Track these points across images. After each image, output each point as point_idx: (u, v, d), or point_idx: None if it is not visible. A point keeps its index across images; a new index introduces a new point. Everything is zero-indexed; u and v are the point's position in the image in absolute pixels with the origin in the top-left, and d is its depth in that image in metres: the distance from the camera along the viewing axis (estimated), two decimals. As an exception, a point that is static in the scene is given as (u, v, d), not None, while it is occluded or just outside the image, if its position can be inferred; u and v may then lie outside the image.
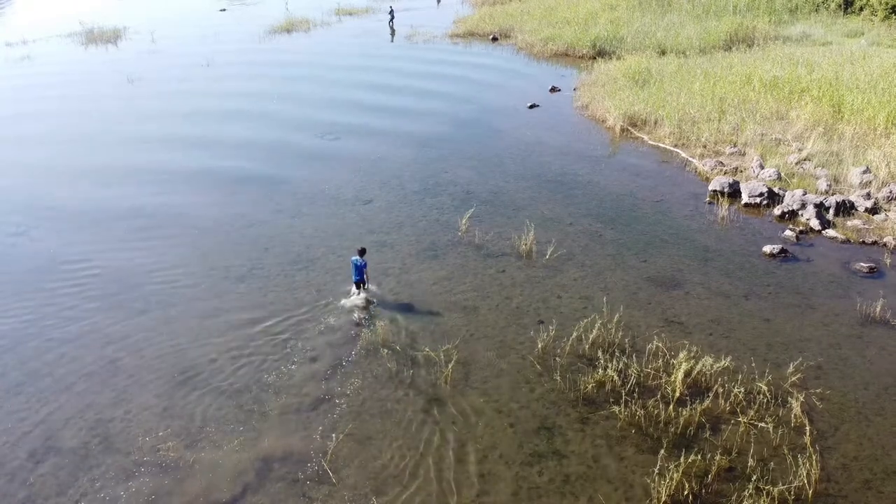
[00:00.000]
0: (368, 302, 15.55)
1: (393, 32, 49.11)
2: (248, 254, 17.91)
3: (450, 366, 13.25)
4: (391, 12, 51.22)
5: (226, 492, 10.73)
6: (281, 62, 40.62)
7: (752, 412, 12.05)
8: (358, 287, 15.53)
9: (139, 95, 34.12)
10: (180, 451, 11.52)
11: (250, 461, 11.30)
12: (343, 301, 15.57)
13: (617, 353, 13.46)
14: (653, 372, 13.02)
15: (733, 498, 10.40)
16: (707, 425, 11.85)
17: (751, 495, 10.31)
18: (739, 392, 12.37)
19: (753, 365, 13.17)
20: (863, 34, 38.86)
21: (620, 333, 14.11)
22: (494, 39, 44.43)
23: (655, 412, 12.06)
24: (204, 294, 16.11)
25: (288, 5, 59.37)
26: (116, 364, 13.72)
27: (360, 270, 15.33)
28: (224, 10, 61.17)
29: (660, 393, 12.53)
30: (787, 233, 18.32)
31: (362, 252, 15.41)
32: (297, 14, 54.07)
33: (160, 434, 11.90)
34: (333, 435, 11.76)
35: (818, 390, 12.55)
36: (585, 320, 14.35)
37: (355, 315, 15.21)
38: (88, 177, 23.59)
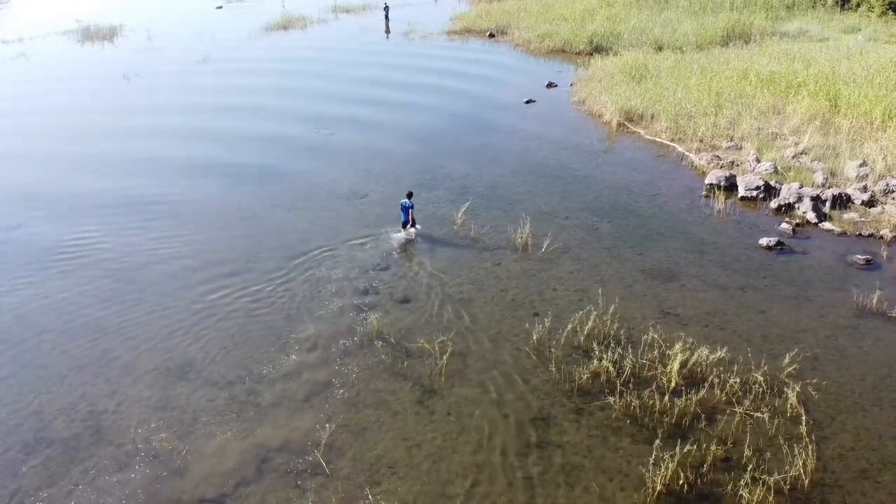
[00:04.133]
0: (411, 239, 17.78)
1: (388, 28, 49.01)
2: (244, 247, 17.84)
3: (445, 357, 13.20)
4: (385, 8, 51.18)
5: (219, 483, 10.66)
6: (277, 59, 40.55)
7: (747, 402, 12.00)
8: (404, 227, 17.86)
9: (134, 91, 34.01)
10: (173, 442, 11.45)
11: (244, 452, 11.22)
12: (393, 235, 17.97)
13: (612, 345, 13.38)
14: (648, 363, 12.96)
15: (729, 487, 10.34)
16: (703, 415, 11.80)
17: (747, 485, 10.26)
18: (735, 383, 12.31)
19: (749, 356, 13.09)
20: (860, 30, 38.86)
21: (616, 325, 14.04)
22: (491, 36, 44.38)
23: (651, 403, 12.00)
24: (199, 286, 16.01)
25: (285, 3, 59.23)
26: (109, 355, 13.65)
27: (407, 211, 17.68)
28: (220, 7, 61.09)
29: (655, 384, 12.48)
30: (784, 226, 18.27)
31: (409, 195, 17.83)
32: (294, 11, 53.98)
33: (153, 425, 11.82)
34: (327, 426, 11.68)
35: (814, 380, 12.48)
36: (581, 312, 14.26)
37: (352, 303, 15.16)
38: (82, 169, 23.48)
